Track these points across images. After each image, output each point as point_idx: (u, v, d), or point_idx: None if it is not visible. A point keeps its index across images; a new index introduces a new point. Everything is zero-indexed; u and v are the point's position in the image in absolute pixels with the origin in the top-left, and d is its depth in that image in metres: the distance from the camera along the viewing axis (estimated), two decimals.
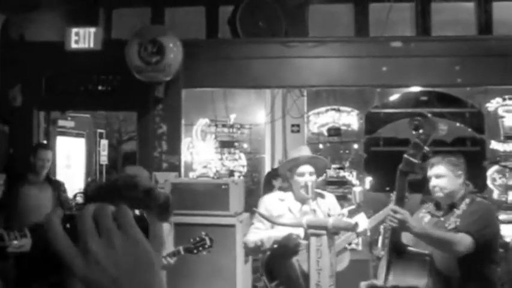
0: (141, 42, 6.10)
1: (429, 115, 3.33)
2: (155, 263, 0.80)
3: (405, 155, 3.24)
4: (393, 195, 4.34)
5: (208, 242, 4.13)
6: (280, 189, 4.70)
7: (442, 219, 3.53)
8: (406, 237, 3.44)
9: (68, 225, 0.81)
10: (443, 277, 3.40)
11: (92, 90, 6.72)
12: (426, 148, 3.24)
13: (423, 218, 3.72)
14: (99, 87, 6.67)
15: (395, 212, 3.21)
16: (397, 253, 3.39)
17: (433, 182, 3.57)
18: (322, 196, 4.31)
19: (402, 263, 3.42)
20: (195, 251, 4.10)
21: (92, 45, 6.54)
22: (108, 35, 7.02)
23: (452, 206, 3.52)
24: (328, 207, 4.21)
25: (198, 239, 4.13)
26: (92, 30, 6.59)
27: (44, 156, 5.53)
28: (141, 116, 6.73)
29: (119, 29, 7.19)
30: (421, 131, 3.26)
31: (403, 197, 3.31)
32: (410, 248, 3.44)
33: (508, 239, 6.05)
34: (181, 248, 4.02)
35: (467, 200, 3.51)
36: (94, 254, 0.77)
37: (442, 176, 3.53)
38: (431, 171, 3.61)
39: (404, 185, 3.31)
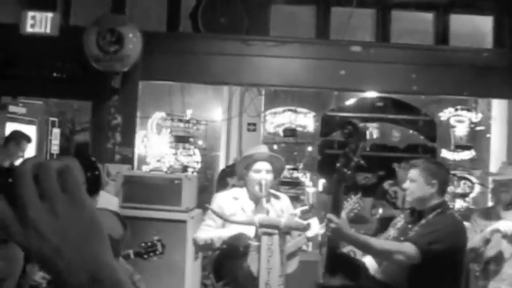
0: (100, 31, 5.98)
1: (360, 124, 3.26)
2: (104, 232, 0.73)
3: (338, 165, 3.22)
4: (348, 200, 4.38)
5: (159, 248, 4.05)
6: (234, 186, 4.67)
7: (409, 226, 3.53)
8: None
9: (4, 182, 0.70)
10: None
11: (46, 76, 6.53)
12: (355, 158, 3.19)
13: (397, 223, 3.74)
14: (54, 74, 6.50)
15: (330, 221, 3.20)
16: (334, 260, 3.38)
17: (406, 184, 3.58)
18: (276, 197, 4.31)
19: (339, 270, 3.42)
20: (145, 256, 4.02)
21: (48, 30, 6.37)
22: (66, 21, 6.85)
23: (420, 215, 3.51)
24: (281, 209, 4.22)
25: (149, 243, 4.04)
26: (49, 15, 6.42)
27: (25, 148, 5.66)
28: (96, 106, 6.60)
29: (78, 15, 7.03)
30: (350, 139, 3.22)
31: (338, 205, 3.30)
32: (348, 256, 3.46)
33: None
34: (131, 252, 3.93)
35: (438, 211, 3.46)
36: (33, 221, 0.68)
37: (414, 180, 3.52)
38: (409, 174, 3.62)
39: (340, 194, 3.29)
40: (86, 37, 6.04)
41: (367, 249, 3.38)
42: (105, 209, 3.15)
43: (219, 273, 4.04)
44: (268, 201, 4.12)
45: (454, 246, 3.45)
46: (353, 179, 3.39)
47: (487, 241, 4.17)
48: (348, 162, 3.20)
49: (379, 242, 3.41)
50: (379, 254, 3.38)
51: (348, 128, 3.24)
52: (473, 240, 4.29)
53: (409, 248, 3.26)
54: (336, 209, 3.26)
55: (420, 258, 3.25)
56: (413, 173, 3.54)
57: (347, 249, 3.73)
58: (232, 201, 4.19)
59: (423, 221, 3.44)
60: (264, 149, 4.34)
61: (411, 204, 3.63)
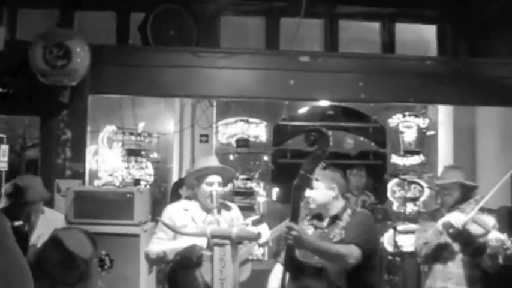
0: (47, 45, 5.89)
1: (324, 130, 3.31)
2: (29, 277, 0.74)
3: (301, 171, 3.22)
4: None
5: (107, 262, 4.02)
6: (186, 198, 4.67)
7: (326, 230, 3.59)
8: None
9: None
10: None
11: None
12: (321, 164, 3.25)
13: (306, 230, 3.78)
14: (0, 90, 6.37)
15: (290, 229, 3.20)
16: (293, 268, 3.41)
17: (307, 192, 3.66)
18: (227, 207, 4.34)
19: (298, 278, 3.47)
20: None
21: None
22: (12, 35, 6.75)
23: (335, 218, 3.61)
24: (231, 219, 4.25)
25: (97, 260, 4.02)
26: None
27: None
28: (44, 121, 6.49)
29: (25, 30, 6.94)
30: (316, 146, 3.25)
31: (298, 212, 3.28)
32: (305, 263, 3.49)
33: (405, 249, 6.31)
34: None
35: (348, 211, 3.62)
36: None
37: (314, 187, 3.62)
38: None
39: (300, 200, 3.29)
40: (32, 51, 5.95)
41: (324, 254, 3.40)
42: (74, 227, 3.11)
43: (174, 286, 4.03)
44: (219, 211, 4.15)
45: (377, 237, 3.80)
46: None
47: (439, 233, 4.28)
48: (312, 169, 3.23)
49: (334, 247, 3.43)
50: (335, 259, 3.41)
51: (313, 134, 3.26)
52: (426, 234, 4.42)
53: (355, 249, 3.38)
54: (295, 216, 3.25)
55: (362, 257, 3.39)
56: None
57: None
58: (183, 213, 4.20)
59: (343, 223, 3.56)
60: (215, 162, 4.36)
61: (317, 210, 3.72)
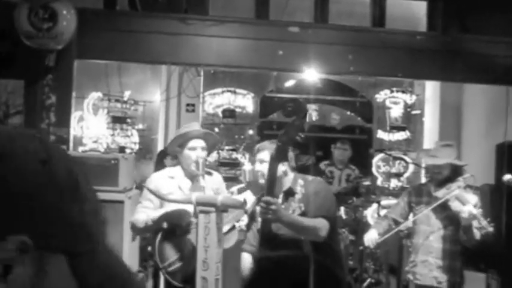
0: (32, 7, 5.78)
1: (301, 100, 3.28)
2: None
3: (278, 142, 3.19)
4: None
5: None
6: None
7: (283, 206, 3.50)
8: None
9: None
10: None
11: None
12: (298, 136, 3.20)
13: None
14: None
15: (268, 203, 3.15)
16: (270, 243, 3.42)
17: (257, 167, 3.61)
18: (210, 174, 4.35)
19: (274, 249, 3.46)
20: None
21: None
22: None
23: (289, 192, 3.54)
24: (216, 186, 4.26)
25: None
26: None
27: None
28: (28, 85, 6.38)
29: None
30: (293, 117, 3.21)
31: (274, 185, 3.24)
32: (281, 235, 3.47)
33: None
34: None
35: (300, 182, 3.54)
36: None
37: (265, 161, 3.54)
38: (257, 156, 3.66)
39: (276, 172, 3.25)
40: (17, 13, 5.82)
41: (300, 228, 3.38)
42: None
43: (162, 255, 4.03)
44: (203, 178, 4.15)
45: (335, 205, 3.72)
46: (286, 156, 3.37)
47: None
48: (289, 140, 3.19)
49: (307, 221, 3.40)
50: (309, 233, 3.40)
51: (290, 105, 3.23)
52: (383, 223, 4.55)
53: (325, 222, 3.38)
54: (272, 187, 3.22)
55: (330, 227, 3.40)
56: (264, 154, 3.59)
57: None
58: (168, 181, 4.19)
59: (298, 196, 3.51)
60: (197, 126, 4.34)
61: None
